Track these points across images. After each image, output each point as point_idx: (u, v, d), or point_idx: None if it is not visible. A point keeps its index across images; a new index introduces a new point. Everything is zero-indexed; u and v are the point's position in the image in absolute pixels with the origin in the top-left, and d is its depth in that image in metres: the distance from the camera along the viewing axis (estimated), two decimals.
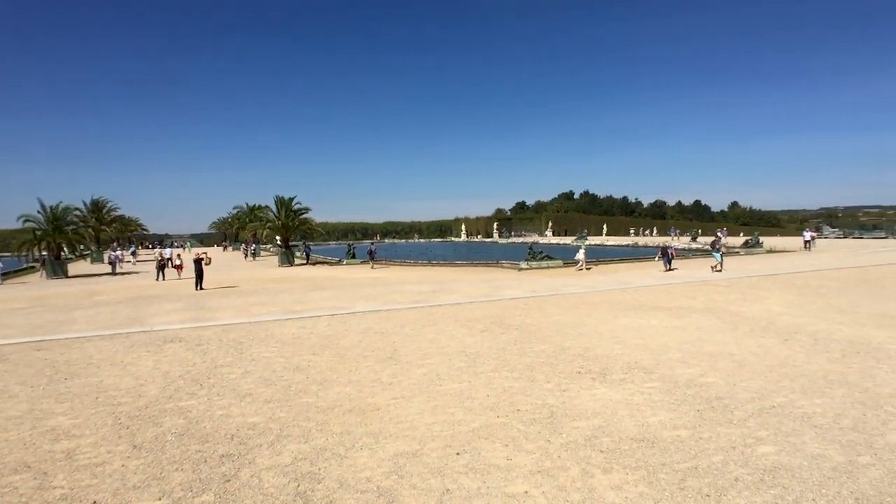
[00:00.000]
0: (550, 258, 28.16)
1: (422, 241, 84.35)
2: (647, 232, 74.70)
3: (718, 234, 53.74)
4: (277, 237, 39.71)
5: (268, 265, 36.22)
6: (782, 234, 66.25)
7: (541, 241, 60.41)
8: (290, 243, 37.99)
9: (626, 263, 27.93)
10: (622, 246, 48.49)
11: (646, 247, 44.92)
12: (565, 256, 31.87)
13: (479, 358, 7.97)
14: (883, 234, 53.84)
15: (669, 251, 23.49)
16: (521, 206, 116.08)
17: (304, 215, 38.34)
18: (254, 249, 44.84)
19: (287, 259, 35.39)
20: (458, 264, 31.21)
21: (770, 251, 35.72)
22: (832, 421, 5.23)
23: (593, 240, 61.20)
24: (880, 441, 4.75)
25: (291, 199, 37.31)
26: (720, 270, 20.87)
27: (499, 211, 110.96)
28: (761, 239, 38.71)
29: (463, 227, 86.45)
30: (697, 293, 14.47)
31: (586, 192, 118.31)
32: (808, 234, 36.95)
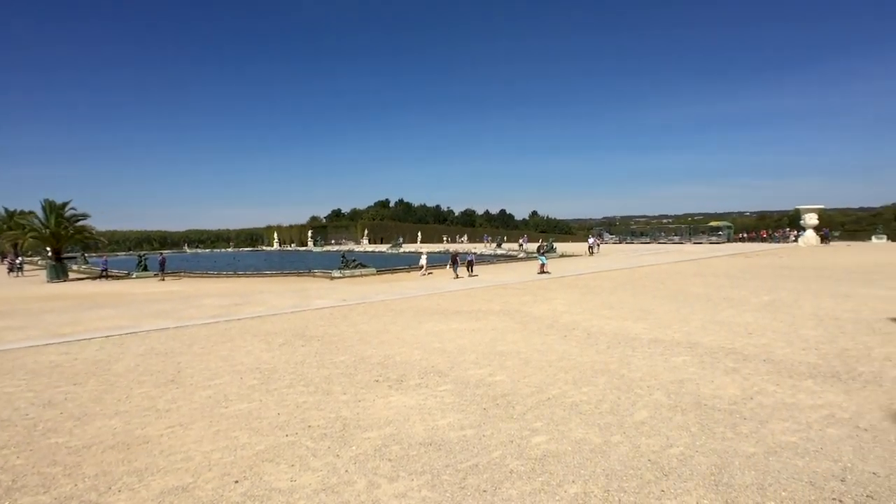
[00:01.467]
0: (364, 266, 28.21)
1: (229, 250, 79.26)
2: (462, 238, 78.68)
3: (521, 241, 58.67)
4: (48, 248, 34.22)
5: (36, 281, 31.04)
6: (574, 240, 74.72)
7: (356, 249, 60.38)
8: (64, 255, 33.00)
9: (438, 269, 29.07)
10: (436, 252, 50.42)
11: (457, 252, 47.21)
12: (380, 264, 32.25)
13: (274, 374, 7.58)
14: (647, 240, 63.28)
15: (458, 258, 24.31)
16: (336, 214, 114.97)
17: (80, 222, 33.57)
18: (19, 263, 38.01)
19: (58, 273, 30.61)
20: (268, 274, 29.79)
21: (562, 255, 39.85)
22: (594, 407, 5.86)
23: (408, 247, 62.81)
24: (629, 420, 5.42)
25: (64, 205, 32.45)
26: (547, 272, 22.61)
27: (314, 219, 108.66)
28: (555, 245, 42.92)
29: (275, 235, 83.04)
30: (496, 296, 15.53)
31: (401, 201, 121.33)
32: (591, 241, 41.99)
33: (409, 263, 32.44)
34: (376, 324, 11.43)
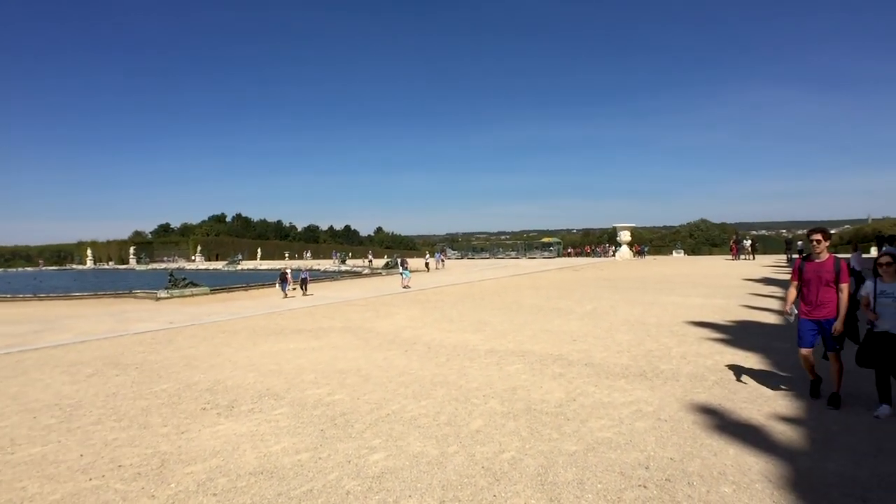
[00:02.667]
0: (195, 285, 26.10)
1: (30, 269, 68.99)
2: (308, 254, 76.39)
3: (369, 255, 58.49)
4: None
5: None
6: (419, 256, 76.17)
7: (188, 268, 55.89)
8: None
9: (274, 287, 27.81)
10: (275, 270, 48.31)
11: (286, 270, 45.68)
12: (216, 283, 30.02)
13: (78, 409, 6.63)
14: (487, 255, 66.67)
15: (289, 276, 22.93)
16: (164, 229, 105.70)
17: None
18: None
19: None
20: (79, 296, 26.27)
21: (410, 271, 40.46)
22: (433, 419, 5.93)
23: (247, 264, 59.54)
24: (465, 430, 5.55)
25: None
26: (408, 287, 22.83)
27: (137, 234, 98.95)
28: (399, 260, 43.42)
29: (89, 252, 74.00)
30: (338, 313, 15.23)
31: (239, 216, 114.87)
32: (429, 257, 43.04)
33: (249, 281, 30.70)
34: (206, 347, 10.58)
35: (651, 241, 79.58)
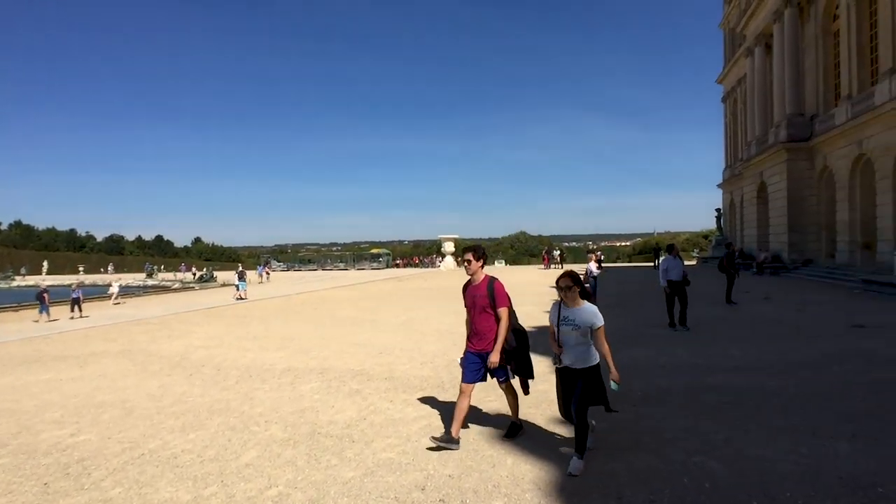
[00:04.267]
0: None
1: None
2: (111, 268, 67.41)
3: (181, 267, 53.41)
4: None
5: None
6: (246, 268, 71.38)
7: None
8: None
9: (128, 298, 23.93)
10: (66, 285, 41.91)
11: (94, 285, 40.14)
12: None
13: None
14: (315, 267, 64.78)
15: (47, 296, 18.13)
16: None
17: None
18: None
19: None
20: None
21: (224, 284, 37.53)
22: (197, 455, 5.10)
23: (31, 279, 51.03)
24: (233, 465, 4.83)
25: None
26: (244, 298, 22.30)
27: None
28: (216, 273, 40.20)
29: None
30: (122, 335, 13.28)
31: (19, 223, 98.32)
32: (261, 269, 40.53)
33: (22, 300, 26.04)
34: None
35: None
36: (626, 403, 6.19)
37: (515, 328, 5.20)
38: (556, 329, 4.63)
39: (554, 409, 6.11)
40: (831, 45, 26.58)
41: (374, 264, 63.91)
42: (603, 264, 44.81)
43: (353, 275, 45.57)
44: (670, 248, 12.04)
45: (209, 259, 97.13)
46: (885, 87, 20.34)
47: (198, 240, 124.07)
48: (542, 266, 49.58)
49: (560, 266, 47.73)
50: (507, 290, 5.22)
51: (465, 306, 5.25)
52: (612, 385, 4.48)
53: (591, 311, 4.53)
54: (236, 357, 9.86)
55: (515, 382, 5.35)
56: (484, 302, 5.07)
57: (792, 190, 27.81)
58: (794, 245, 27.80)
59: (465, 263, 5.12)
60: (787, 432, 5.16)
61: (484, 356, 5.06)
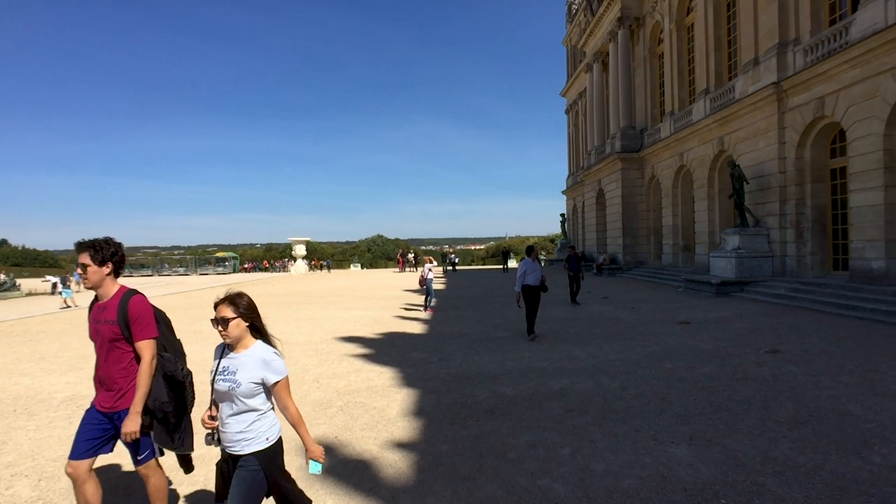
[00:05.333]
0: None
1: None
2: None
3: None
4: None
5: None
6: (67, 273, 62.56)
7: None
8: None
9: None
10: None
11: None
12: None
13: None
14: (150, 272, 58.72)
15: None
16: None
17: None
18: None
19: None
20: None
21: (30, 294, 32.37)
22: None
23: None
24: None
25: None
26: (70, 306, 21.27)
27: None
28: (18, 281, 34.47)
29: None
30: None
31: None
32: (77, 276, 35.42)
33: None
34: None
35: (333, 256, 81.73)
36: (469, 419, 5.63)
37: (169, 373, 3.33)
38: (211, 377, 2.84)
39: (391, 432, 5.39)
40: (657, 65, 29.17)
41: (220, 269, 59.57)
42: (457, 267, 45.70)
43: (192, 281, 41.69)
44: (529, 251, 10.86)
45: (18, 264, 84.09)
46: (700, 105, 22.56)
47: (4, 242, 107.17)
48: (398, 269, 49.29)
49: (415, 268, 47.80)
50: (152, 309, 3.38)
51: (90, 336, 3.34)
52: (312, 467, 2.81)
53: (262, 359, 2.76)
54: (6, 383, 7.89)
55: (170, 459, 3.77)
56: (113, 332, 3.21)
57: (626, 197, 30.07)
58: (628, 248, 30.08)
59: (79, 270, 3.25)
60: (631, 439, 4.90)
61: (114, 418, 3.26)
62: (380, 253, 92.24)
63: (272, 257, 77.64)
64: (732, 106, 19.32)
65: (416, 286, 26.46)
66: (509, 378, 7.36)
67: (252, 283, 33.84)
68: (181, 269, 60.13)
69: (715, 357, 8.23)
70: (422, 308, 15.51)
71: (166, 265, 63.15)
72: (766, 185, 17.68)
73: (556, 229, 73.91)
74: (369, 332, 11.96)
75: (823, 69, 14.85)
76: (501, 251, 46.91)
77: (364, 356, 9.25)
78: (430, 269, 15.52)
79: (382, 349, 9.84)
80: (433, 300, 15.51)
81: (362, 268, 60.73)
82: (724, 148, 20.79)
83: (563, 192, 50.10)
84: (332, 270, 55.28)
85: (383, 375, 7.75)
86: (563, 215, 46.92)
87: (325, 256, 72.67)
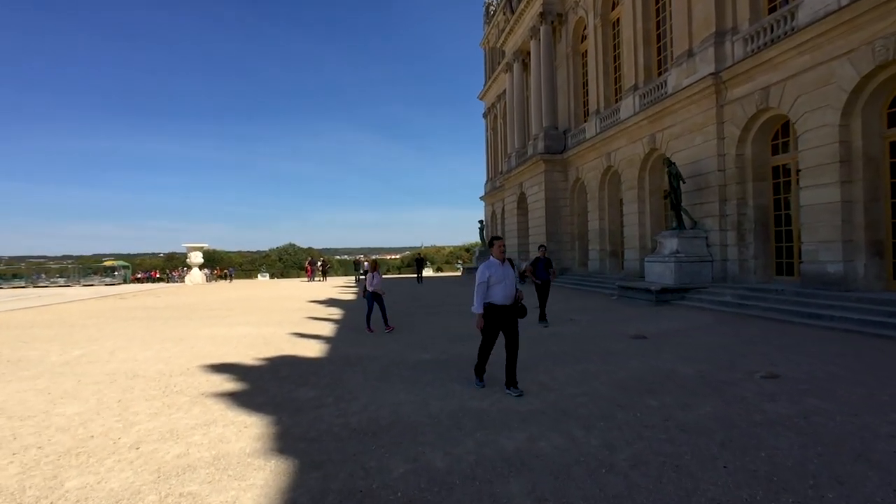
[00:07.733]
0: None
1: None
2: None
3: None
4: None
5: None
6: None
7: None
8: None
9: None
10: None
11: None
12: None
13: None
14: (23, 283, 51.71)
15: None
16: None
17: None
18: None
19: None
20: None
21: None
22: None
23: None
24: None
25: None
26: None
27: None
28: None
29: None
30: None
31: None
32: None
33: None
34: None
35: (241, 265, 76.50)
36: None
37: None
38: None
39: None
40: (580, 63, 28.05)
41: (108, 279, 53.33)
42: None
43: (72, 292, 36.28)
44: (492, 243, 6.59)
45: None
46: (629, 102, 21.37)
47: None
48: (306, 278, 45.86)
49: (323, 278, 44.57)
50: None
51: None
52: None
53: None
54: None
55: None
56: None
57: (549, 201, 28.63)
58: (553, 254, 28.64)
59: None
60: None
61: None
62: (291, 262, 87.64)
63: (171, 267, 71.27)
64: (665, 101, 18.10)
65: (322, 297, 23.58)
66: (436, 431, 4.98)
67: (135, 295, 29.51)
68: (61, 280, 53.34)
69: (705, 386, 6.25)
70: (365, 327, 12.39)
71: (43, 275, 55.87)
72: (703, 184, 16.46)
73: (472, 238, 72.75)
74: (251, 356, 9.21)
75: (768, 57, 13.68)
76: (415, 259, 44.32)
77: (230, 396, 6.54)
78: (375, 276, 12.50)
79: (260, 383, 7.17)
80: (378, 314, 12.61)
81: (271, 277, 56.62)
82: (655, 146, 19.58)
83: (482, 198, 48.58)
84: (234, 280, 50.92)
85: (246, 432, 5.12)
86: (481, 222, 45.40)
87: (231, 265, 67.58)
